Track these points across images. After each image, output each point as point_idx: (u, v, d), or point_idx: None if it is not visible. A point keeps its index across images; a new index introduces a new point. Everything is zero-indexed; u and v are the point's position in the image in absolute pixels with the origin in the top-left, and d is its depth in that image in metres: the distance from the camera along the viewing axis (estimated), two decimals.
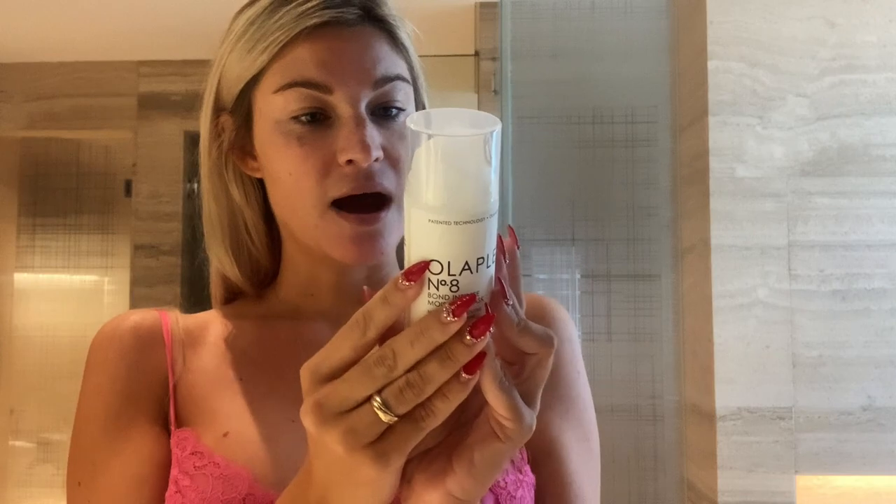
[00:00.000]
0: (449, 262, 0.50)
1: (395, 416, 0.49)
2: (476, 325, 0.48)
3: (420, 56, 0.82)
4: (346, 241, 0.73)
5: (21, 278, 4.32)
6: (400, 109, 0.75)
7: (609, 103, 2.45)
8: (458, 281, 0.50)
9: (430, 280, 0.50)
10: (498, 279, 0.52)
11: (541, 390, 0.53)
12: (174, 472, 0.72)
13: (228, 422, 0.74)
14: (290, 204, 0.76)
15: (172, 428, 0.74)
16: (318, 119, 0.73)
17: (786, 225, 2.06)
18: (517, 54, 2.52)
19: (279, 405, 0.75)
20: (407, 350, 0.48)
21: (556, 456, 0.75)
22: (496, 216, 0.51)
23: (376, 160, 0.72)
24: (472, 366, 0.49)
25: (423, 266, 0.49)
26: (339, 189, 0.72)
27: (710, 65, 2.10)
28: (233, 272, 0.83)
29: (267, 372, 0.78)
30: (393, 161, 0.74)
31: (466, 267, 0.50)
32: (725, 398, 2.03)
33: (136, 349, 0.77)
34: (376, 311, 0.50)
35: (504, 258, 0.53)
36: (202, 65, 0.82)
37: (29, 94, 3.56)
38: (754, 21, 2.11)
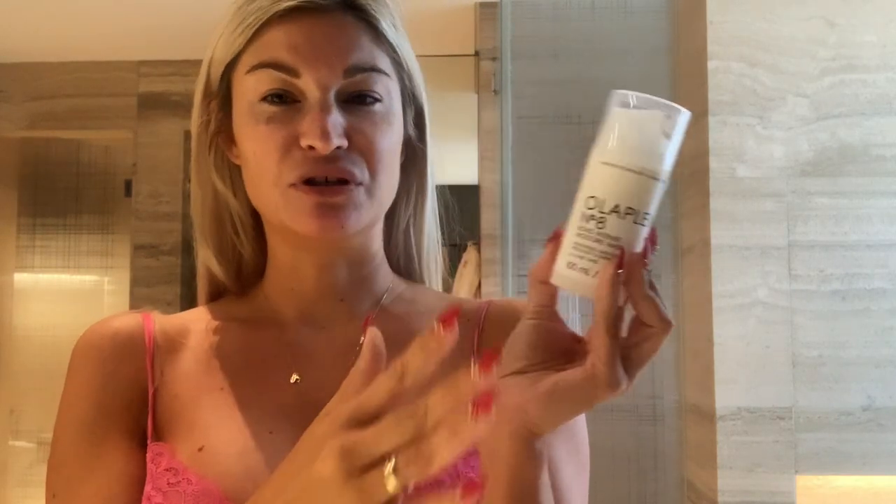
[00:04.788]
0: (604, 200, 0.55)
1: (400, 484, 0.46)
2: (478, 402, 0.45)
3: (420, 56, 0.82)
4: (308, 213, 0.72)
5: (21, 278, 4.32)
6: (376, 99, 0.74)
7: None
8: (605, 219, 0.55)
9: (582, 213, 0.56)
10: (646, 241, 0.56)
11: (642, 367, 0.57)
12: (148, 488, 0.71)
13: (205, 434, 0.72)
14: (255, 184, 0.75)
15: (149, 441, 0.73)
16: (287, 101, 0.73)
17: (786, 225, 2.06)
18: (517, 54, 2.52)
19: (258, 416, 0.74)
20: (438, 401, 0.46)
21: (548, 469, 0.75)
22: (661, 186, 0.56)
23: (339, 147, 0.71)
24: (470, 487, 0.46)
25: (456, 310, 0.48)
26: (296, 172, 0.72)
27: (710, 65, 2.10)
28: (213, 264, 0.82)
29: (247, 380, 0.77)
30: (363, 148, 0.73)
31: (615, 209, 0.55)
32: (725, 398, 2.03)
33: (114, 358, 0.76)
34: (412, 358, 0.48)
35: (654, 246, 0.57)
36: (204, 61, 0.82)
37: (29, 94, 3.55)
38: (754, 21, 2.11)
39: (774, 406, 2.02)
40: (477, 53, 2.80)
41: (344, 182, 0.72)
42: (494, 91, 2.61)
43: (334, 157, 0.71)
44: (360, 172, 0.73)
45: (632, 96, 0.57)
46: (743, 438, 2.02)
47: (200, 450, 0.71)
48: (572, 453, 0.77)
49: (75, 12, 3.02)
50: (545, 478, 0.62)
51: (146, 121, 3.53)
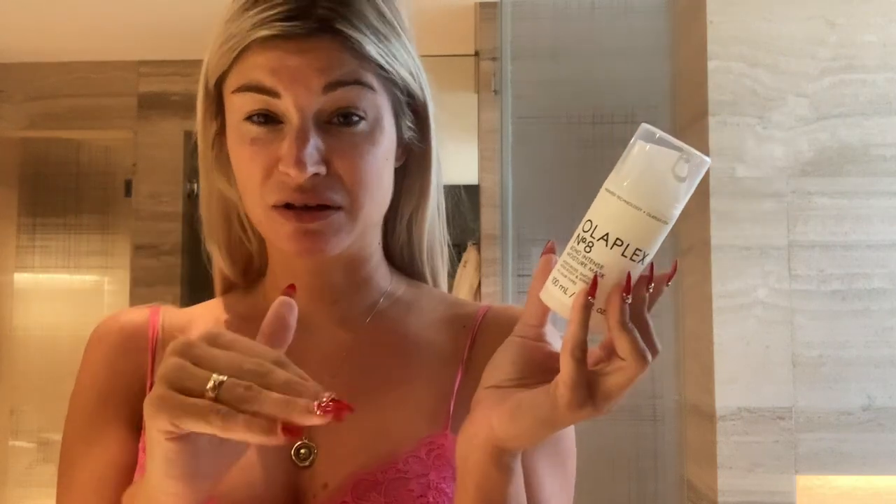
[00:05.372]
0: (597, 226, 0.56)
1: (215, 398, 0.52)
2: (327, 406, 0.50)
3: (420, 56, 0.81)
4: (288, 237, 0.72)
5: (21, 278, 4.32)
6: (360, 117, 0.73)
7: (609, 103, 2.45)
8: (593, 244, 0.56)
9: (578, 234, 0.58)
10: (629, 277, 0.56)
11: (612, 398, 0.57)
12: (137, 476, 0.73)
13: None
14: (243, 199, 0.77)
15: (142, 432, 0.75)
16: (271, 121, 0.72)
17: (786, 225, 2.06)
18: (517, 54, 2.52)
19: None
20: (277, 374, 0.52)
21: (529, 484, 0.74)
22: (660, 226, 0.56)
23: (317, 174, 0.71)
24: (290, 431, 0.51)
25: (341, 407, 0.51)
26: (275, 196, 0.72)
27: (710, 65, 2.10)
28: (218, 259, 0.84)
29: None
30: (343, 172, 0.72)
31: (604, 238, 0.56)
32: (725, 398, 2.03)
33: (120, 351, 0.79)
34: (276, 374, 0.53)
35: (649, 283, 0.57)
36: (202, 65, 0.82)
37: (29, 94, 3.55)
38: (754, 21, 2.11)
39: (774, 406, 2.02)
40: (477, 53, 2.80)
41: (323, 207, 0.72)
42: (494, 91, 2.61)
43: (312, 184, 0.71)
44: (340, 197, 0.72)
45: (656, 134, 0.57)
46: (743, 438, 2.02)
47: None
48: (556, 466, 0.76)
49: (75, 12, 3.02)
50: (514, 490, 0.63)
51: (146, 121, 3.53)
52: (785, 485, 2.00)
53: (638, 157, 0.56)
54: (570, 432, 0.79)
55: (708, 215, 2.07)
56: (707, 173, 2.38)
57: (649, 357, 0.55)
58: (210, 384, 0.52)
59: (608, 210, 0.56)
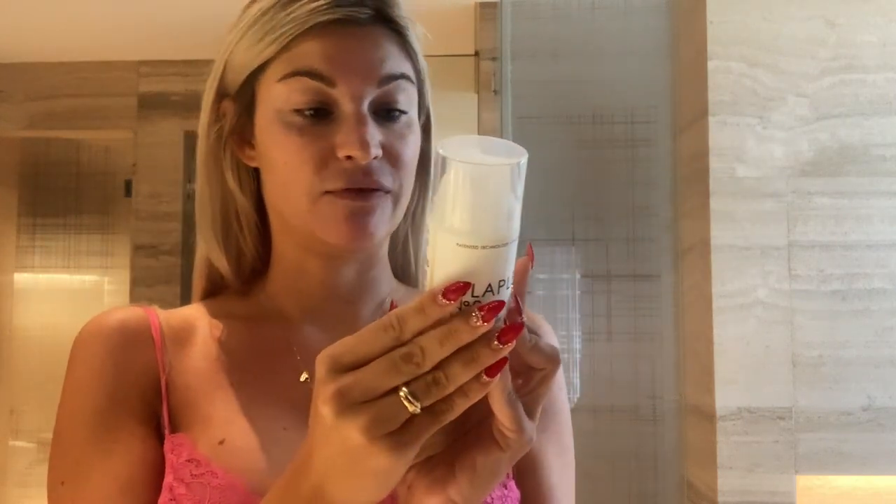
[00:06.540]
0: (474, 285, 0.52)
1: (420, 407, 0.50)
2: (504, 332, 0.51)
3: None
4: (340, 220, 0.73)
5: (21, 278, 4.32)
6: (402, 112, 0.76)
7: (609, 103, 2.45)
8: (480, 302, 0.52)
9: (463, 300, 0.52)
10: (515, 297, 0.54)
11: (542, 404, 0.56)
12: (168, 478, 0.70)
13: (223, 429, 0.73)
14: (283, 192, 0.76)
15: (166, 432, 0.73)
16: (320, 113, 0.74)
17: (786, 225, 2.06)
18: (517, 54, 2.52)
19: (271, 413, 0.74)
20: (436, 348, 0.50)
21: (537, 471, 0.77)
22: (517, 241, 0.53)
23: (375, 158, 0.73)
24: (494, 369, 0.51)
25: (464, 287, 0.50)
26: (335, 182, 0.73)
27: (710, 65, 2.10)
28: (219, 260, 0.82)
29: (257, 377, 0.77)
30: (392, 159, 0.75)
31: (489, 289, 0.52)
32: (725, 398, 2.03)
33: (123, 347, 0.76)
34: (412, 319, 0.51)
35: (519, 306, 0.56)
36: (202, 65, 0.82)
37: (29, 94, 3.55)
38: (754, 21, 2.11)
39: (774, 406, 2.02)
40: (477, 53, 2.80)
41: (376, 192, 0.74)
42: (494, 91, 2.61)
43: (369, 169, 0.73)
44: (390, 182, 0.75)
45: (464, 146, 0.51)
46: (743, 438, 2.02)
47: (221, 443, 0.72)
48: (559, 454, 0.80)
49: (75, 12, 3.02)
50: None
51: (146, 121, 3.53)
52: (785, 485, 2.00)
53: (471, 187, 0.50)
54: (568, 422, 0.82)
55: (708, 215, 2.07)
56: (707, 174, 2.37)
57: (558, 355, 0.55)
58: (409, 407, 0.50)
59: (476, 264, 0.51)
